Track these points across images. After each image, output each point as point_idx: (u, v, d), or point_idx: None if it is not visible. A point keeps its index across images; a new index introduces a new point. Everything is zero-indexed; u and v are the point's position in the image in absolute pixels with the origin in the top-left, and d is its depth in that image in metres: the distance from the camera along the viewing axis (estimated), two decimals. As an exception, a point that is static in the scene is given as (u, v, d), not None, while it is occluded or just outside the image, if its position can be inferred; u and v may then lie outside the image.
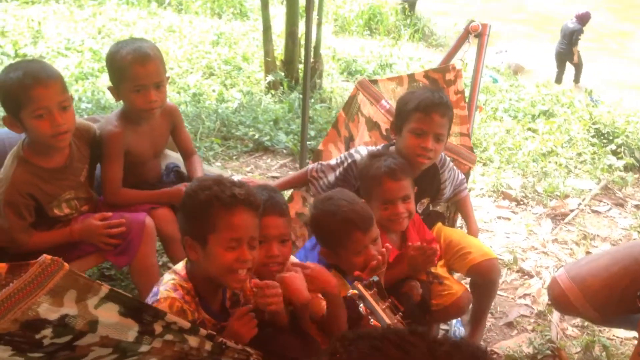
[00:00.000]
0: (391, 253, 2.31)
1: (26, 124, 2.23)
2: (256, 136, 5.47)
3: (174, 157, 3.13)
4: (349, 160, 2.72)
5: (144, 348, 1.55)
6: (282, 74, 7.16)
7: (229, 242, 1.78)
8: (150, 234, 2.49)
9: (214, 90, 7.00)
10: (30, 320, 1.33)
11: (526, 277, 3.76)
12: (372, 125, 3.24)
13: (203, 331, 1.65)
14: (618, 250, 2.57)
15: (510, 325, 3.35)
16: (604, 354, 3.09)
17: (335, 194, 2.30)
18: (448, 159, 2.91)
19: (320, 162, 2.90)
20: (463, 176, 3.04)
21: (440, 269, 2.69)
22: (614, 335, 3.21)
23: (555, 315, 3.39)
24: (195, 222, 1.82)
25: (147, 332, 1.51)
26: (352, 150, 2.79)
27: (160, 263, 3.06)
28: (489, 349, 3.15)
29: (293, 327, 2.03)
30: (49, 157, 2.38)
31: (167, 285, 1.84)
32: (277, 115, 5.89)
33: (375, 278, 2.07)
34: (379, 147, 2.81)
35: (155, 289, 1.86)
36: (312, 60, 7.16)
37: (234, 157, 5.22)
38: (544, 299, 3.55)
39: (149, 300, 1.83)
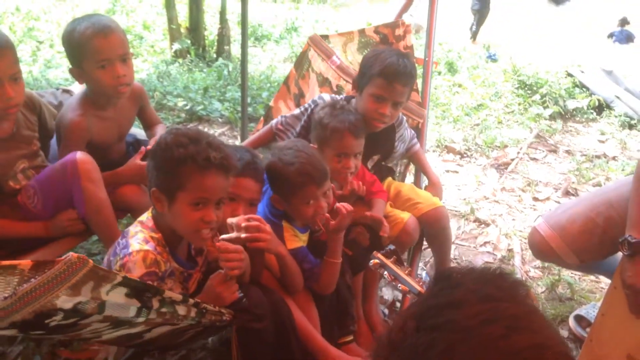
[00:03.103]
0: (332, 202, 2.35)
1: None
2: (188, 106, 5.26)
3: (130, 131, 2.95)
4: (312, 107, 2.69)
5: (140, 319, 1.58)
6: (189, 41, 6.91)
7: (196, 201, 1.78)
8: (86, 167, 2.20)
9: (118, 61, 6.65)
10: (46, 311, 1.32)
11: (483, 225, 3.90)
12: (323, 81, 3.23)
13: (191, 300, 1.70)
14: (594, 196, 2.69)
15: (477, 273, 3.47)
16: (568, 290, 3.27)
17: (294, 145, 2.29)
18: (404, 118, 2.94)
19: (283, 115, 2.86)
20: (413, 132, 3.08)
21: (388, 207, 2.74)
22: (573, 273, 3.40)
23: (517, 260, 3.55)
24: (165, 176, 1.79)
25: (145, 307, 1.55)
26: (315, 97, 2.77)
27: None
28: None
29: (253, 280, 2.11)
30: None
31: (138, 238, 1.81)
32: (207, 84, 5.68)
33: (392, 247, 2.10)
34: (341, 97, 2.79)
35: (124, 241, 1.82)
36: (219, 26, 7.00)
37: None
38: (503, 245, 3.71)
39: (119, 252, 1.80)
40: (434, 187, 2.96)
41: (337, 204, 2.26)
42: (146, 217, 1.90)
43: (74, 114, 2.36)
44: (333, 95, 2.81)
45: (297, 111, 2.78)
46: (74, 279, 1.30)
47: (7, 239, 2.23)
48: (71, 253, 1.29)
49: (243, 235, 1.96)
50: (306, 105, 2.75)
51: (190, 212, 1.78)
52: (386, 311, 2.93)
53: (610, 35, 11.69)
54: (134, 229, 1.86)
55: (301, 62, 3.20)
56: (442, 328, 0.81)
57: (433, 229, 2.80)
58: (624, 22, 11.80)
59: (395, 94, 2.53)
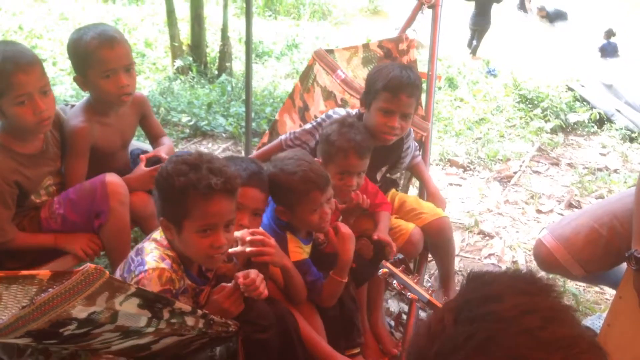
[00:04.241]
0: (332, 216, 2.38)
1: (6, 111, 2.10)
2: (192, 121, 5.30)
3: (134, 144, 2.99)
4: (327, 121, 2.70)
5: (149, 330, 1.61)
6: (190, 58, 6.97)
7: (203, 227, 1.77)
8: (116, 190, 2.30)
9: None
10: (62, 320, 1.35)
11: (487, 238, 3.92)
12: (328, 94, 3.27)
13: (199, 312, 1.71)
14: (598, 207, 2.72)
15: (482, 285, 3.48)
16: (573, 302, 3.29)
17: (294, 155, 2.33)
18: (411, 130, 2.97)
19: (292, 131, 2.88)
20: (416, 144, 3.12)
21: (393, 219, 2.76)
22: (578, 284, 3.41)
23: (522, 272, 3.57)
24: (170, 206, 1.80)
25: (156, 317, 1.57)
26: (329, 112, 2.79)
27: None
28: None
29: None
30: (27, 143, 2.25)
31: (154, 255, 1.81)
32: (211, 100, 5.74)
33: (400, 256, 2.13)
34: (354, 111, 2.81)
35: (138, 258, 1.82)
36: (220, 44, 7.07)
37: (173, 144, 5.03)
38: (508, 257, 3.73)
39: (134, 269, 1.80)
40: (433, 198, 2.98)
41: (338, 223, 2.29)
42: (160, 235, 1.89)
43: (77, 120, 2.42)
44: (348, 109, 2.82)
45: (308, 126, 2.79)
46: (90, 289, 1.33)
47: (19, 250, 2.26)
48: (88, 264, 1.31)
49: (248, 249, 1.98)
50: (319, 120, 2.76)
51: (199, 240, 1.77)
52: (392, 323, 2.94)
53: (602, 50, 11.73)
54: (149, 246, 1.86)
55: (306, 76, 3.25)
56: (482, 319, 0.84)
57: (436, 239, 2.82)
58: (609, 34, 11.83)
59: (402, 105, 2.55)
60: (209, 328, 1.77)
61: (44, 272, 1.34)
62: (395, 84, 2.53)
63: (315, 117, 3.19)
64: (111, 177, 2.31)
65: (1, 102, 2.07)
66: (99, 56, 2.32)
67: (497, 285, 0.90)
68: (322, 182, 2.22)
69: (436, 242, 2.84)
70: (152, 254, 1.81)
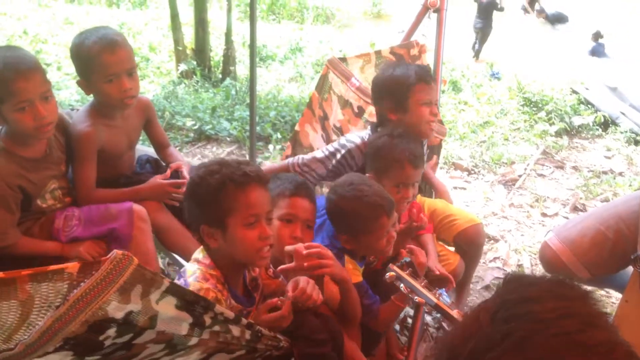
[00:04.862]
0: None
1: (7, 117, 2.09)
2: (197, 125, 5.32)
3: (141, 149, 2.99)
4: (343, 152, 2.63)
5: (193, 341, 1.54)
6: (194, 62, 6.99)
7: (248, 220, 1.75)
8: (141, 218, 2.34)
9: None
10: (99, 321, 1.31)
11: (492, 241, 3.91)
12: (344, 103, 3.25)
13: (244, 320, 1.65)
14: (604, 210, 2.71)
15: (487, 288, 3.48)
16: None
17: (353, 179, 2.25)
18: None
19: (301, 156, 2.79)
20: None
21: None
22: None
23: (527, 275, 3.56)
24: (210, 208, 1.77)
25: (198, 324, 1.51)
26: (342, 141, 2.69)
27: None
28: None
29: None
30: (30, 147, 2.23)
31: (196, 276, 1.78)
32: (215, 104, 5.75)
33: (407, 259, 2.11)
34: (368, 131, 2.71)
35: (181, 281, 1.79)
36: (224, 48, 7.09)
37: (177, 148, 5.04)
38: (513, 260, 3.73)
39: None
40: (442, 194, 2.98)
41: (414, 248, 2.26)
42: (202, 255, 1.85)
43: (83, 125, 2.40)
44: (360, 134, 2.71)
45: (319, 154, 2.70)
46: (121, 279, 1.30)
47: (23, 255, 2.26)
48: (115, 250, 1.30)
49: (305, 264, 1.90)
50: (332, 149, 2.67)
51: (246, 234, 1.74)
52: (397, 327, 2.93)
53: (593, 52, 11.73)
54: (191, 267, 1.83)
55: (322, 85, 3.23)
56: (519, 318, 0.84)
57: (469, 246, 2.80)
58: (597, 36, 11.84)
59: (435, 92, 2.60)
60: (257, 342, 1.72)
61: (72, 265, 1.29)
62: (423, 73, 2.55)
63: (335, 125, 3.17)
64: (138, 207, 2.34)
65: (2, 108, 2.07)
66: (101, 61, 2.31)
67: (536, 288, 0.90)
68: (389, 205, 2.13)
69: (467, 248, 2.81)
70: (194, 275, 1.78)
